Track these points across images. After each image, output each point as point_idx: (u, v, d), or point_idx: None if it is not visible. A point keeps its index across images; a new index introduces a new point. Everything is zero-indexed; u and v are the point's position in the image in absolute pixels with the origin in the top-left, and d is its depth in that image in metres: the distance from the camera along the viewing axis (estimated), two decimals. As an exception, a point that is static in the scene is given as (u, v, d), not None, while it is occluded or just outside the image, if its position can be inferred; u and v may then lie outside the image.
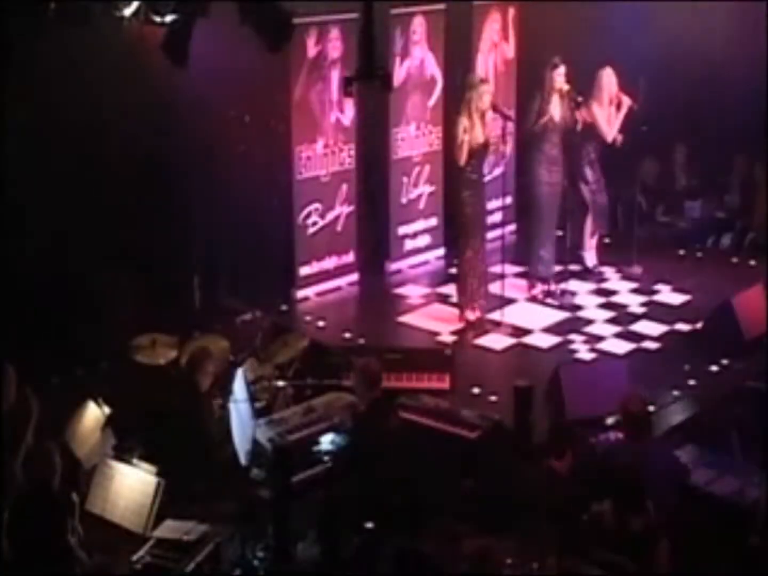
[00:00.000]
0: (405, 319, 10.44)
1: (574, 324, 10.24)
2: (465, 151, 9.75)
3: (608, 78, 10.92)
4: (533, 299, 10.75)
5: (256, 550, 7.33)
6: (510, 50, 12.45)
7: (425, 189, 11.81)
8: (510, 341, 9.91)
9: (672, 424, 8.39)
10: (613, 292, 10.98)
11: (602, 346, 9.78)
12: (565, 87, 10.38)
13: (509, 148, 11.02)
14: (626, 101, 10.89)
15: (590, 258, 11.39)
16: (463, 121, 9.75)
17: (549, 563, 6.54)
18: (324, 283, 11.03)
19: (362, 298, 11.21)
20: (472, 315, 10.13)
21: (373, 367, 7.71)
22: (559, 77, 10.38)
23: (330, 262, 11.09)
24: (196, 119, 9.77)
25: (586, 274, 11.29)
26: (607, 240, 11.75)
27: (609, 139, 10.97)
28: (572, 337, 9.96)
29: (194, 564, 6.87)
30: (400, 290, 11.18)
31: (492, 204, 11.33)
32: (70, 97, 8.91)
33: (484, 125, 9.86)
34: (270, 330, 9.56)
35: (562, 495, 6.92)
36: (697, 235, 12.37)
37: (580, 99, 10.43)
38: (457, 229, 10.25)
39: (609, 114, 10.98)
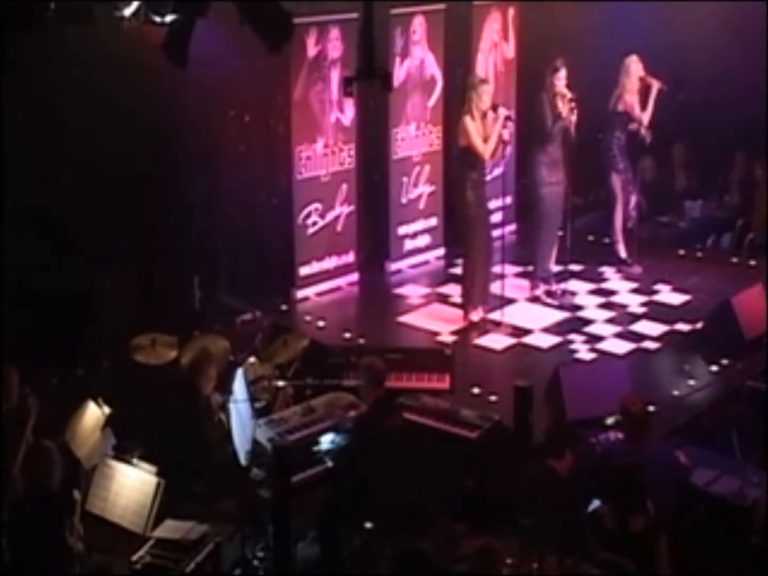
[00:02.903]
0: (405, 319, 10.43)
1: (574, 324, 10.24)
2: (490, 146, 9.80)
3: (635, 65, 11.00)
4: (536, 299, 10.74)
5: (256, 550, 7.34)
6: (510, 50, 12.45)
7: (425, 189, 11.80)
8: (510, 341, 9.90)
9: (672, 424, 8.39)
10: (613, 292, 10.98)
11: (602, 346, 9.77)
12: (565, 91, 10.37)
13: (509, 148, 11.00)
14: (655, 84, 10.93)
15: (622, 250, 11.44)
16: (470, 122, 9.76)
17: (549, 563, 6.54)
18: (324, 283, 11.01)
19: (362, 298, 11.20)
20: (475, 316, 10.13)
21: (378, 365, 7.72)
22: (560, 81, 10.40)
23: (330, 262, 11.08)
24: (196, 119, 9.78)
25: (621, 265, 11.39)
26: (606, 240, 11.75)
27: (645, 122, 11.02)
28: (572, 337, 9.95)
29: (194, 564, 6.87)
30: (400, 290, 11.17)
31: (492, 204, 11.31)
32: (70, 97, 8.91)
33: (486, 125, 9.87)
34: (270, 330, 9.57)
35: (562, 495, 6.92)
36: (697, 235, 12.36)
37: (573, 105, 10.43)
38: (461, 230, 10.24)
39: (639, 100, 11.05)
